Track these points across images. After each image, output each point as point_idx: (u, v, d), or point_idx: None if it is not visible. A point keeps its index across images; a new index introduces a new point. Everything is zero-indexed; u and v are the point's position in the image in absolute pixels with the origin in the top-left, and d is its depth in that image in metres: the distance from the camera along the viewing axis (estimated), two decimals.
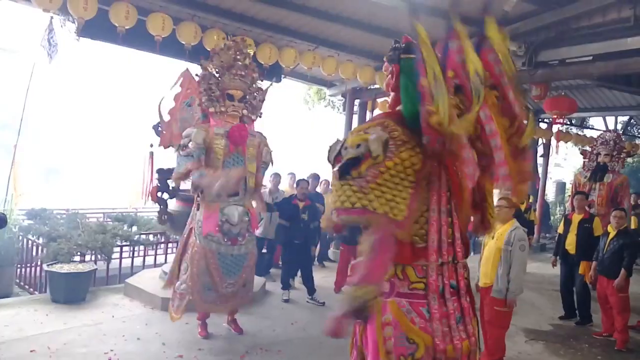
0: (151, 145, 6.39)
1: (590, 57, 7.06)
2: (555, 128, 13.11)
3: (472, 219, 2.77)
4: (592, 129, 14.98)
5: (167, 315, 5.72)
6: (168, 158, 6.66)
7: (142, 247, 8.21)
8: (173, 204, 6.45)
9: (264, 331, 5.55)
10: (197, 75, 5.32)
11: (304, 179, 7.56)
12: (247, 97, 5.15)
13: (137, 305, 6.14)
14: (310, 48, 7.88)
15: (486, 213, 2.73)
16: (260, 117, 5.33)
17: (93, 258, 7.41)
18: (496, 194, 3.38)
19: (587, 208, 7.01)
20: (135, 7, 6.16)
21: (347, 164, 2.36)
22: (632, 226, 8.66)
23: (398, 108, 2.60)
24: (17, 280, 7.96)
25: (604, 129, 13.51)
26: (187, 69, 6.03)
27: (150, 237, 8.61)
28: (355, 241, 2.41)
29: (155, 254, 8.57)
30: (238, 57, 5.11)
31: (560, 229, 6.99)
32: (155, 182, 6.36)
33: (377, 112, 9.91)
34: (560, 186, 18.77)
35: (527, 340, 5.91)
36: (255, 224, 5.21)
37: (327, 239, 9.43)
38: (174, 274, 5.16)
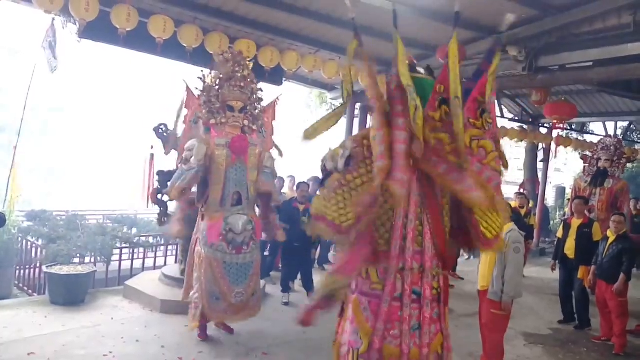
0: (152, 147, 6.40)
1: (591, 63, 7.08)
2: (555, 133, 13.13)
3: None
4: (592, 134, 15.00)
5: (167, 318, 5.76)
6: (168, 160, 6.69)
7: (141, 249, 8.21)
8: (173, 207, 6.45)
9: (264, 334, 5.55)
10: (197, 88, 5.40)
11: (304, 182, 7.57)
12: (248, 107, 5.22)
13: (136, 307, 6.14)
14: (311, 51, 7.90)
15: (478, 229, 2.72)
16: (260, 126, 5.40)
17: (92, 260, 7.42)
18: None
19: (586, 213, 7.02)
20: (137, 9, 6.16)
21: (325, 175, 2.65)
22: None
23: None
24: (16, 282, 7.96)
25: (604, 134, 13.53)
26: (188, 87, 6.11)
27: (150, 239, 8.62)
28: None
29: (155, 256, 8.58)
30: (237, 69, 5.18)
31: (560, 234, 7.00)
32: (156, 184, 6.38)
33: None
34: (560, 191, 18.78)
35: (526, 344, 5.92)
36: (259, 232, 5.23)
37: (327, 242, 9.42)
38: (189, 284, 5.23)
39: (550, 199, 18.92)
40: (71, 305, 5.96)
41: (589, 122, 15.10)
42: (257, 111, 5.34)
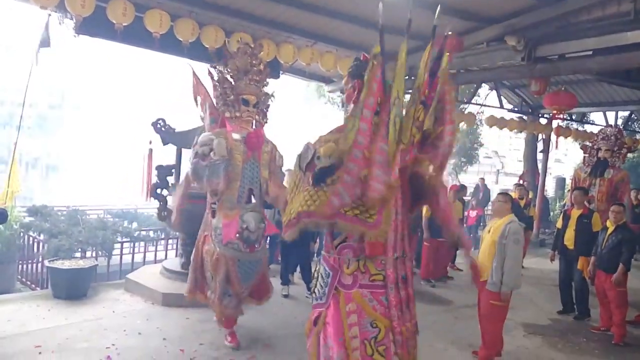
0: (150, 142, 6.41)
1: (590, 52, 7.05)
2: (555, 123, 13.11)
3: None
4: (593, 124, 14.98)
5: (168, 311, 5.79)
6: (166, 155, 6.71)
7: (142, 243, 8.25)
8: (172, 201, 6.47)
9: (263, 326, 5.58)
10: (210, 75, 5.18)
11: None
12: (260, 103, 5.08)
13: (137, 300, 6.17)
14: (308, 44, 7.87)
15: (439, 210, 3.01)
16: (266, 122, 5.25)
17: (94, 254, 7.46)
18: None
19: (586, 204, 7.02)
20: (133, 4, 6.14)
21: (321, 172, 2.66)
22: None
23: None
24: (19, 277, 8.02)
25: (605, 124, 13.50)
26: (194, 73, 5.79)
27: (151, 233, 8.65)
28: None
29: (156, 250, 8.62)
30: (254, 62, 5.03)
31: (559, 224, 7.01)
32: (155, 179, 6.40)
33: None
34: (560, 182, 18.78)
35: (525, 335, 5.94)
36: (270, 229, 5.05)
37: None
38: (196, 284, 5.09)
39: (550, 189, 18.93)
40: (73, 299, 6.00)
41: (589, 112, 15.05)
42: (265, 106, 5.18)
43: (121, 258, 7.92)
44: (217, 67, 5.11)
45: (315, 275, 3.13)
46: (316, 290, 3.09)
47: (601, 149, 8.50)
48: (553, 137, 13.13)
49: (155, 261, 8.08)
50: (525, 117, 13.18)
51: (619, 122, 15.12)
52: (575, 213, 6.70)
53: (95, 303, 6.00)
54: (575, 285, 6.72)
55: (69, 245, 6.74)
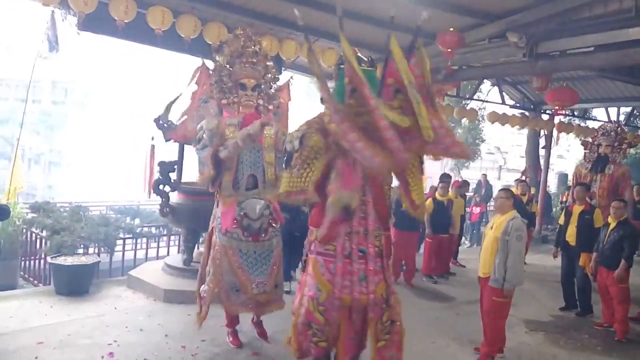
0: (152, 139, 6.41)
1: (592, 48, 7.04)
2: (557, 119, 13.09)
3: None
4: (595, 120, 14.94)
5: (170, 307, 5.80)
6: (169, 151, 6.72)
7: (144, 240, 8.27)
8: (175, 197, 6.49)
9: (265, 322, 5.58)
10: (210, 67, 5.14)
11: None
12: (262, 86, 4.91)
13: (140, 297, 6.19)
14: (310, 40, 7.86)
15: (409, 194, 3.30)
16: (274, 106, 5.04)
17: (96, 250, 7.47)
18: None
19: (587, 199, 7.01)
20: (135, 1, 6.14)
21: (289, 155, 3.27)
22: None
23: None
24: (22, 273, 8.04)
25: (607, 120, 13.47)
26: (203, 64, 5.70)
27: (153, 229, 8.67)
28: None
29: (158, 246, 8.63)
30: (247, 44, 4.88)
31: (561, 220, 7.00)
32: (157, 175, 6.41)
33: None
34: (563, 178, 18.75)
35: (527, 331, 5.94)
36: (280, 217, 4.86)
37: None
38: (202, 279, 4.93)
39: (552, 186, 18.91)
40: (76, 295, 6.02)
41: (592, 108, 15.02)
42: (272, 90, 5.02)
43: (123, 254, 7.94)
44: (215, 55, 5.02)
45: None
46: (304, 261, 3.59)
47: (601, 144, 8.47)
48: (555, 133, 13.12)
49: (158, 257, 8.08)
50: (527, 113, 13.16)
51: (621, 117, 15.10)
52: (577, 209, 6.68)
53: (98, 299, 6.02)
54: (578, 281, 6.71)
55: (71, 242, 6.76)
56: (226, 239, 4.58)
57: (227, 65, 4.87)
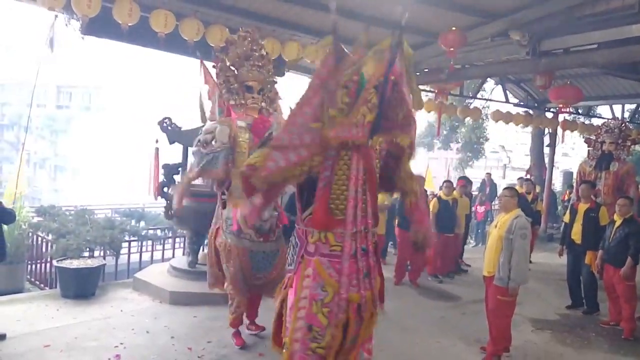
0: (157, 142, 6.43)
1: (595, 45, 7.01)
2: (561, 117, 13.04)
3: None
4: (600, 117, 14.87)
5: (176, 309, 5.82)
6: (173, 154, 6.74)
7: (150, 242, 8.29)
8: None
9: (269, 322, 5.58)
10: (213, 66, 5.18)
11: None
12: (264, 89, 5.01)
13: (145, 299, 6.21)
14: (313, 41, 7.88)
15: (406, 195, 3.35)
16: (275, 109, 5.14)
17: (102, 253, 7.50)
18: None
19: (593, 197, 6.98)
20: (138, 4, 6.16)
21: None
22: None
23: None
24: (28, 276, 8.07)
25: (611, 117, 13.41)
26: (202, 62, 5.83)
27: (158, 232, 8.68)
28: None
29: (163, 249, 8.66)
30: (254, 47, 4.98)
31: (567, 219, 6.97)
32: (162, 178, 6.43)
33: None
34: (568, 176, 18.69)
35: (533, 330, 5.93)
36: (284, 218, 4.93)
37: None
38: (217, 278, 5.04)
39: (558, 184, 18.84)
40: (82, 298, 6.05)
41: (596, 106, 14.95)
42: (272, 93, 5.12)
43: (129, 257, 7.97)
44: (220, 56, 5.07)
45: (290, 245, 3.45)
46: (288, 258, 3.42)
47: (605, 142, 8.43)
48: (559, 131, 13.08)
49: (163, 260, 8.11)
50: (531, 112, 13.12)
51: (626, 114, 15.02)
52: (582, 207, 6.66)
53: (104, 302, 6.05)
54: (584, 279, 6.69)
55: (77, 245, 6.78)
56: (239, 240, 4.66)
57: (232, 67, 4.93)
